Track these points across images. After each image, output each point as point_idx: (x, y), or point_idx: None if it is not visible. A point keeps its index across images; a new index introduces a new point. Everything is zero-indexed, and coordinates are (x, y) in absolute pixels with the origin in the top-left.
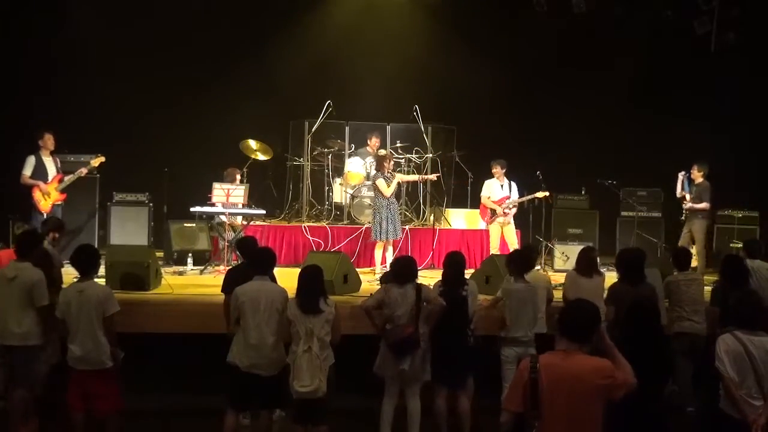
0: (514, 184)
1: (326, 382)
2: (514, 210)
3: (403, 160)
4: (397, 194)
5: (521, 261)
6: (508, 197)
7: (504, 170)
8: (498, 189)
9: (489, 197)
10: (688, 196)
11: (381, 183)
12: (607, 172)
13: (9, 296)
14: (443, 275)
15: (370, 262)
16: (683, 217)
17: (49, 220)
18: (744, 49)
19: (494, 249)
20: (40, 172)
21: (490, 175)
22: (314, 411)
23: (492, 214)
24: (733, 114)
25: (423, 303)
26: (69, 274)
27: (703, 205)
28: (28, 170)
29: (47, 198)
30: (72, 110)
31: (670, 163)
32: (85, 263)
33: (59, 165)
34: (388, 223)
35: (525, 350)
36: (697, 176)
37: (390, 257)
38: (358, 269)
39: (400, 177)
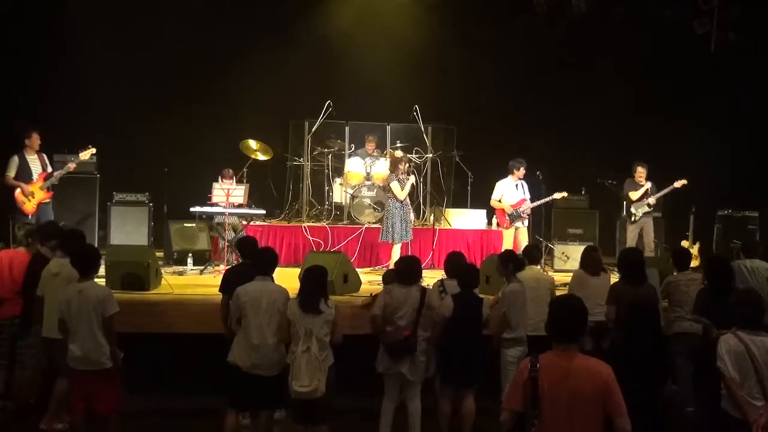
0: (525, 184)
1: (325, 382)
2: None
3: None
4: None
5: (513, 262)
6: (525, 200)
7: (524, 171)
8: (513, 190)
9: (501, 200)
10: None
11: (395, 186)
12: (607, 172)
13: (54, 292)
14: (458, 278)
15: (370, 262)
16: (634, 219)
17: (46, 228)
18: (744, 49)
19: None
20: (24, 173)
21: (494, 176)
22: (313, 411)
23: (511, 220)
24: (732, 114)
25: (425, 308)
26: None
27: (654, 200)
28: (12, 171)
29: (31, 199)
30: (71, 110)
31: (669, 163)
32: (85, 263)
33: (47, 162)
34: (400, 225)
35: (524, 349)
36: (643, 175)
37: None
38: (358, 269)
39: (413, 179)
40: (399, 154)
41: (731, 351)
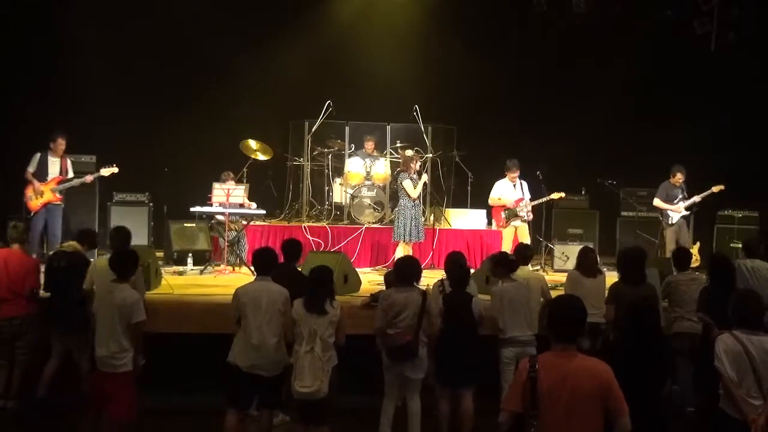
0: (525, 184)
1: (328, 383)
2: (530, 212)
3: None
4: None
5: (504, 263)
6: (522, 199)
7: (518, 171)
8: (510, 190)
9: (500, 198)
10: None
11: (408, 184)
12: (607, 172)
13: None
14: (448, 276)
15: (370, 262)
16: (672, 222)
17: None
18: (744, 49)
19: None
20: (41, 171)
21: (494, 176)
22: (315, 411)
23: (507, 219)
24: (733, 114)
25: (425, 314)
26: None
27: (688, 204)
28: (31, 167)
29: (39, 197)
30: (71, 110)
31: (669, 163)
32: (122, 266)
33: (68, 168)
34: (413, 225)
35: (524, 350)
36: (682, 179)
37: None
38: (358, 269)
39: (426, 178)
40: (410, 152)
41: (728, 350)
